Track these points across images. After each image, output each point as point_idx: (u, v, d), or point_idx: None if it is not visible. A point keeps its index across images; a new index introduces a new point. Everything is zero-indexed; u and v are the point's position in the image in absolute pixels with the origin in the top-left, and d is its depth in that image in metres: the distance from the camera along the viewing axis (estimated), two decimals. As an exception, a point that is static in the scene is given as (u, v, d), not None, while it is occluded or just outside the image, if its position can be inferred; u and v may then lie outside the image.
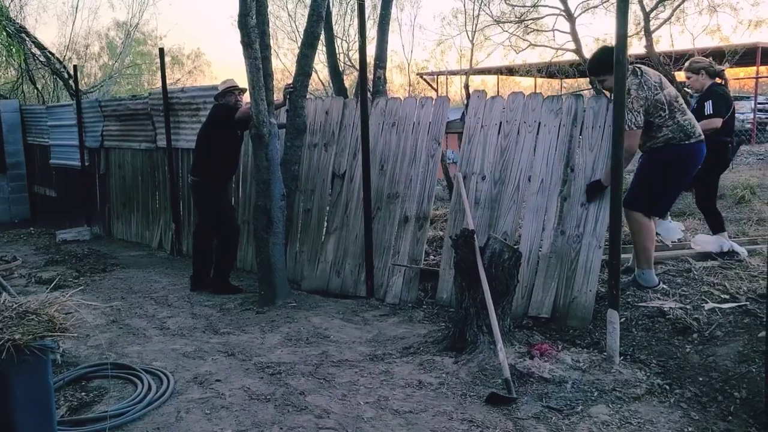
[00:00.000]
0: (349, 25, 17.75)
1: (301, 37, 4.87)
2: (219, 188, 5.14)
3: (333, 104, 5.30)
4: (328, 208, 5.12)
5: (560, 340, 3.65)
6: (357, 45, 4.96)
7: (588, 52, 11.55)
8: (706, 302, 3.75)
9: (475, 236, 3.54)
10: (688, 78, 4.89)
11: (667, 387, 3.03)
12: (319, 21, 4.76)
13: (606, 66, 3.66)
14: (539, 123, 4.28)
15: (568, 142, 4.18)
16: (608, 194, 3.69)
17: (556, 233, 4.11)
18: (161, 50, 7.02)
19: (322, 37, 5.73)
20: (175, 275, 5.77)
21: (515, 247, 3.68)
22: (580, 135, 4.16)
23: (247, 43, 4.21)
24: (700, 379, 3.08)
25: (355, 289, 4.85)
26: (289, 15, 17.53)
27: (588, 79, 13.01)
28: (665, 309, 3.70)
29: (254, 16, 4.22)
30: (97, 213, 8.41)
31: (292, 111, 4.91)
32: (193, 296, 4.99)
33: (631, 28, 12.01)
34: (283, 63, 22.52)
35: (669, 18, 10.25)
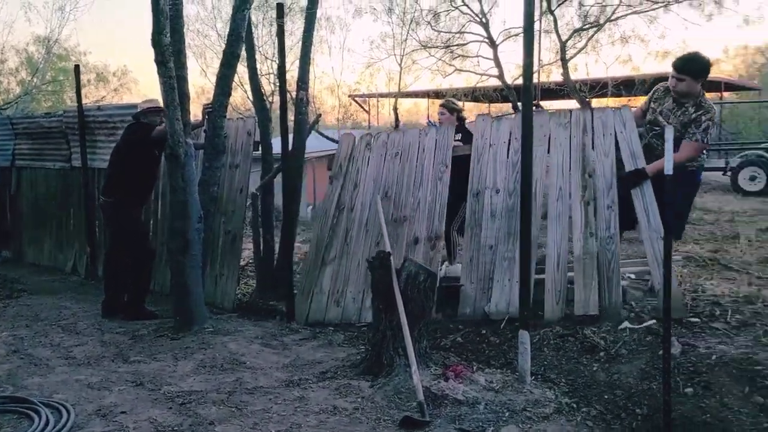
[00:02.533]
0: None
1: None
2: (133, 209, 4.97)
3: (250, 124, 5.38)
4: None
5: (475, 361, 3.70)
6: (278, 66, 4.91)
7: (510, 78, 12.00)
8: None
9: (391, 258, 3.55)
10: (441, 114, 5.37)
11: (575, 405, 3.11)
12: (238, 41, 4.71)
13: (700, 71, 4.16)
14: (549, 137, 4.57)
15: (581, 151, 4.47)
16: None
17: (585, 236, 4.35)
18: (77, 67, 6.77)
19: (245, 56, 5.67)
20: (87, 300, 5.52)
21: (430, 269, 3.72)
22: (593, 144, 4.46)
23: (161, 62, 4.11)
24: (606, 396, 3.17)
25: (358, 316, 4.74)
26: (218, 34, 17.32)
27: (511, 104, 13.47)
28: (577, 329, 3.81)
29: (168, 35, 4.14)
30: (7, 235, 7.96)
31: (211, 131, 4.82)
32: (104, 323, 4.78)
33: (551, 57, 12.54)
34: (212, 82, 22.17)
35: (584, 47, 10.74)
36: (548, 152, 4.54)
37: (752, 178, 13.32)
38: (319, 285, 4.84)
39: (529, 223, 3.36)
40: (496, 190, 4.62)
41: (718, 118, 4.09)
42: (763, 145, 14.70)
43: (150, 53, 4.12)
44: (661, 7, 10.58)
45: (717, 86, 17.93)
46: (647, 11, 10.73)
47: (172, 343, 4.20)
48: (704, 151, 4.43)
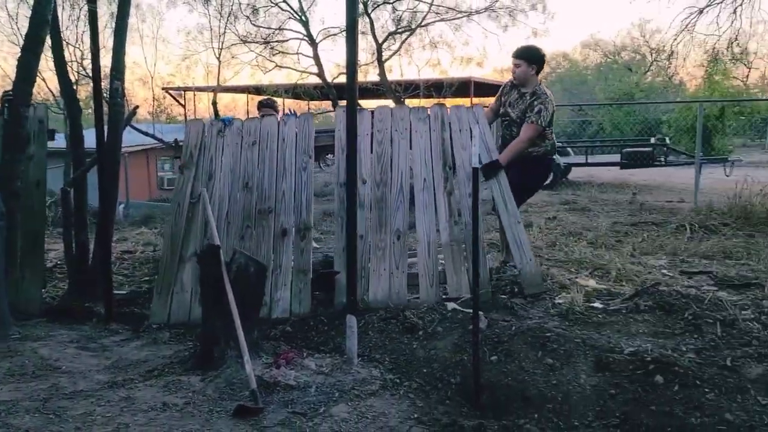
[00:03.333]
0: (83, 32, 16.32)
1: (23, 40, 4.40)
2: None
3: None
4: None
5: (306, 348, 3.83)
6: (91, 54, 4.60)
7: (330, 76, 12.33)
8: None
9: (220, 251, 3.56)
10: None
11: (398, 381, 3.38)
12: (43, 25, 4.36)
13: (532, 56, 4.87)
14: (410, 130, 4.70)
15: (441, 144, 4.69)
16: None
17: (450, 224, 4.56)
18: None
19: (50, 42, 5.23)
20: None
21: (261, 261, 3.78)
22: (451, 138, 4.70)
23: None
24: (425, 370, 3.48)
25: None
26: (10, 16, 15.53)
27: (331, 102, 13.83)
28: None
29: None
30: None
31: (12, 121, 4.41)
32: None
33: (368, 57, 13.06)
34: (3, 68, 19.81)
35: (398, 50, 11.36)
36: (410, 147, 4.75)
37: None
38: (179, 283, 4.62)
39: (354, 212, 3.55)
40: (362, 180, 4.65)
41: (552, 105, 4.66)
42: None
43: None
44: (464, 16, 11.54)
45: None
46: (453, 19, 11.64)
47: (-30, 354, 3.80)
48: (550, 137, 5.00)
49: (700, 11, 8.74)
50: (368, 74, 13.52)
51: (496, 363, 3.44)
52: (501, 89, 5.19)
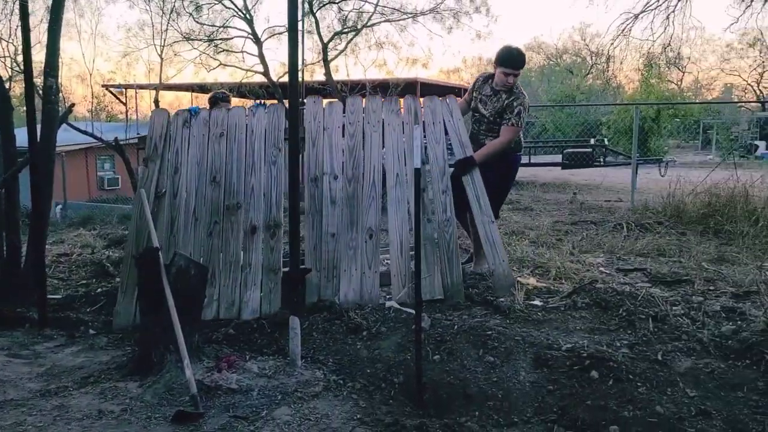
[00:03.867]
0: (17, 26, 15.66)
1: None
2: None
3: None
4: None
5: (249, 351, 3.78)
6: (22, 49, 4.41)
7: (275, 75, 12.19)
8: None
9: (160, 254, 3.48)
10: None
11: (341, 382, 3.37)
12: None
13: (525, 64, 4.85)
14: (383, 123, 4.58)
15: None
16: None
17: (424, 222, 4.40)
18: None
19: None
20: None
21: (202, 263, 3.72)
22: (424, 132, 4.59)
23: None
24: (368, 371, 3.48)
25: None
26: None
27: (276, 101, 13.67)
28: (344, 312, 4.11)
29: None
30: None
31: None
32: None
33: (314, 57, 13.01)
34: None
35: (344, 50, 11.35)
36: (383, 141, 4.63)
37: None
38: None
39: (296, 208, 3.52)
40: (334, 176, 4.53)
41: (528, 104, 4.67)
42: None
43: None
44: (410, 17, 11.63)
45: (459, 93, 20.13)
46: (398, 20, 11.72)
47: None
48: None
49: (636, 16, 9.08)
50: (315, 74, 13.52)
51: (439, 362, 3.47)
52: (473, 83, 5.09)
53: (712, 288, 4.72)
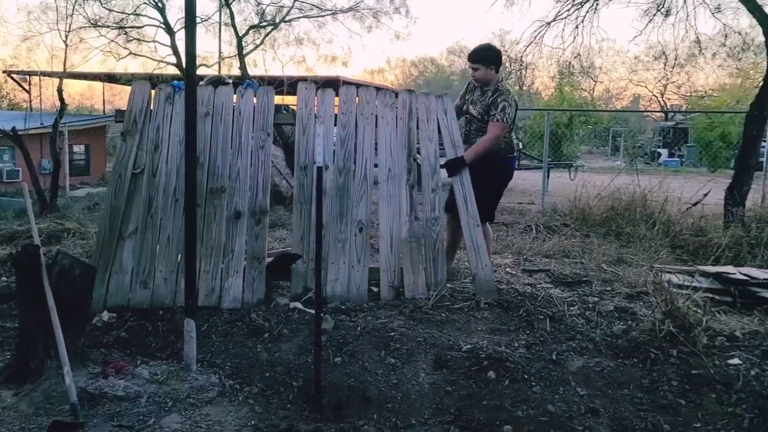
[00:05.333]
0: None
1: None
2: None
3: None
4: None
5: (141, 355, 3.59)
6: None
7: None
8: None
9: (40, 252, 3.24)
10: None
11: (238, 386, 3.26)
12: None
13: (488, 58, 4.71)
14: (376, 115, 4.46)
15: (408, 134, 4.46)
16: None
17: (410, 219, 4.40)
18: None
19: None
20: None
21: (88, 262, 3.50)
22: (417, 128, 4.51)
23: None
24: (267, 374, 3.39)
25: (173, 299, 4.21)
26: None
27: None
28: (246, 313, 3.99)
29: None
30: None
31: None
32: None
33: (231, 50, 12.69)
34: None
35: (261, 44, 11.11)
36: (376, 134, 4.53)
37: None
38: (118, 262, 4.19)
39: (193, 204, 3.36)
40: (325, 166, 4.37)
41: (515, 99, 4.58)
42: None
43: None
44: (329, 14, 11.54)
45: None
46: (317, 17, 11.60)
47: None
48: (517, 142, 4.94)
49: (548, 24, 9.36)
50: (232, 68, 13.18)
51: (340, 364, 3.42)
52: (466, 87, 5.08)
53: (608, 288, 4.90)
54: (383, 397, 3.16)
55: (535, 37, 9.48)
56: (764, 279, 4.63)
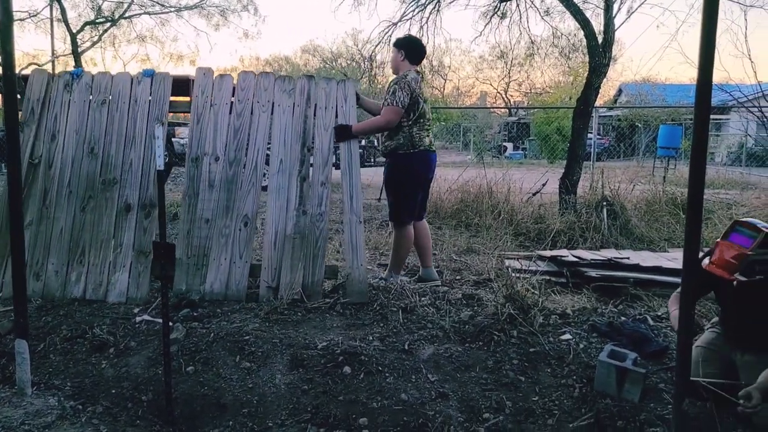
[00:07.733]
0: None
1: None
2: None
3: None
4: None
5: (-35, 384, 3.26)
6: None
7: (18, 67, 10.79)
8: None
9: None
10: None
11: (80, 407, 3.06)
12: None
13: (400, 42, 4.72)
14: (273, 103, 4.24)
15: (303, 123, 4.26)
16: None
17: (298, 213, 4.18)
18: None
19: None
20: None
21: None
22: (315, 116, 4.33)
23: None
24: (113, 391, 3.21)
25: (63, 292, 4.22)
26: None
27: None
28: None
29: None
30: None
31: None
32: None
33: (64, 47, 11.76)
34: None
35: (98, 41, 10.42)
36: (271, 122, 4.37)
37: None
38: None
39: (18, 203, 3.10)
40: (215, 157, 4.23)
41: (411, 86, 4.37)
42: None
43: None
44: (173, 11, 11.05)
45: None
46: (159, 14, 11.07)
47: None
48: (407, 130, 4.59)
49: (395, 24, 9.65)
50: (68, 66, 12.18)
51: (193, 373, 3.32)
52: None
53: (458, 277, 5.18)
54: (239, 402, 3.11)
55: (384, 36, 9.73)
56: (592, 260, 5.12)
